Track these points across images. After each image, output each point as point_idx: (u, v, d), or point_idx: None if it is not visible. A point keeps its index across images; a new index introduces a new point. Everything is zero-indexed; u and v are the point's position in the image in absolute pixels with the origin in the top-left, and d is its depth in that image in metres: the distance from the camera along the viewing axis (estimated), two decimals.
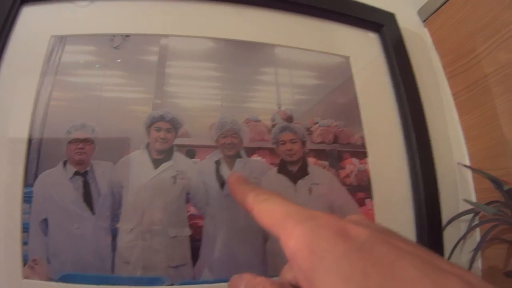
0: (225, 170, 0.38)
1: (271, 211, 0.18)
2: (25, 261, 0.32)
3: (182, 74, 0.42)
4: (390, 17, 0.52)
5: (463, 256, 0.48)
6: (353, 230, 0.16)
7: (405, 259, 0.14)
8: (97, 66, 0.39)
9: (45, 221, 0.33)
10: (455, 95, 0.55)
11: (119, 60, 0.40)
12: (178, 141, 0.38)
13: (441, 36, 0.57)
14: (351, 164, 0.43)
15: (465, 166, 0.52)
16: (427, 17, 0.58)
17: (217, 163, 0.38)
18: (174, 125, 0.38)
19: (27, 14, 0.39)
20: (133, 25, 0.41)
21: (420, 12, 0.60)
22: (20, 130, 0.35)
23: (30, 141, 0.35)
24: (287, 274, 0.21)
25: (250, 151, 0.40)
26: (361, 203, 0.42)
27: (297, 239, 0.16)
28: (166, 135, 0.37)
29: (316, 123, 0.44)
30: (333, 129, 0.44)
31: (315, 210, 0.17)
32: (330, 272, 0.14)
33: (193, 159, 0.38)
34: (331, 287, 0.14)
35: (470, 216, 0.48)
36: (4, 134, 0.35)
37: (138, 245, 0.34)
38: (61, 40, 0.39)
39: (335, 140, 0.44)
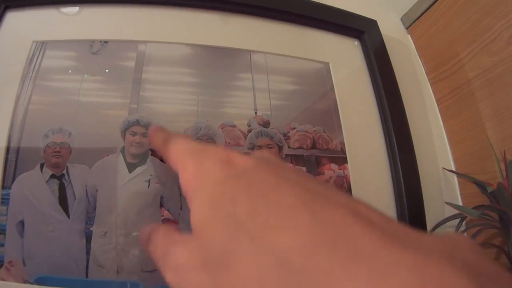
0: None
1: (174, 150, 0.18)
2: (1, 263, 0.31)
3: (159, 79, 0.42)
4: (371, 24, 0.52)
5: None
6: (238, 160, 0.15)
7: (286, 187, 0.12)
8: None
9: (21, 223, 0.33)
10: (439, 101, 0.55)
11: (97, 66, 0.40)
12: None
13: (424, 43, 0.57)
14: (330, 170, 0.43)
15: (450, 171, 0.51)
16: (410, 24, 0.59)
17: None
18: None
19: (11, 19, 0.40)
20: (112, 32, 0.42)
21: (403, 19, 0.60)
22: None
23: (9, 143, 0.35)
24: None
25: None
26: None
27: (187, 170, 0.16)
28: (141, 140, 0.38)
29: (294, 128, 0.43)
30: (311, 135, 0.44)
31: (210, 145, 0.17)
32: (202, 198, 0.14)
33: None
34: (199, 212, 0.14)
35: (457, 221, 0.48)
36: None
37: (112, 249, 0.33)
38: (42, 45, 0.39)
39: (313, 145, 0.44)
